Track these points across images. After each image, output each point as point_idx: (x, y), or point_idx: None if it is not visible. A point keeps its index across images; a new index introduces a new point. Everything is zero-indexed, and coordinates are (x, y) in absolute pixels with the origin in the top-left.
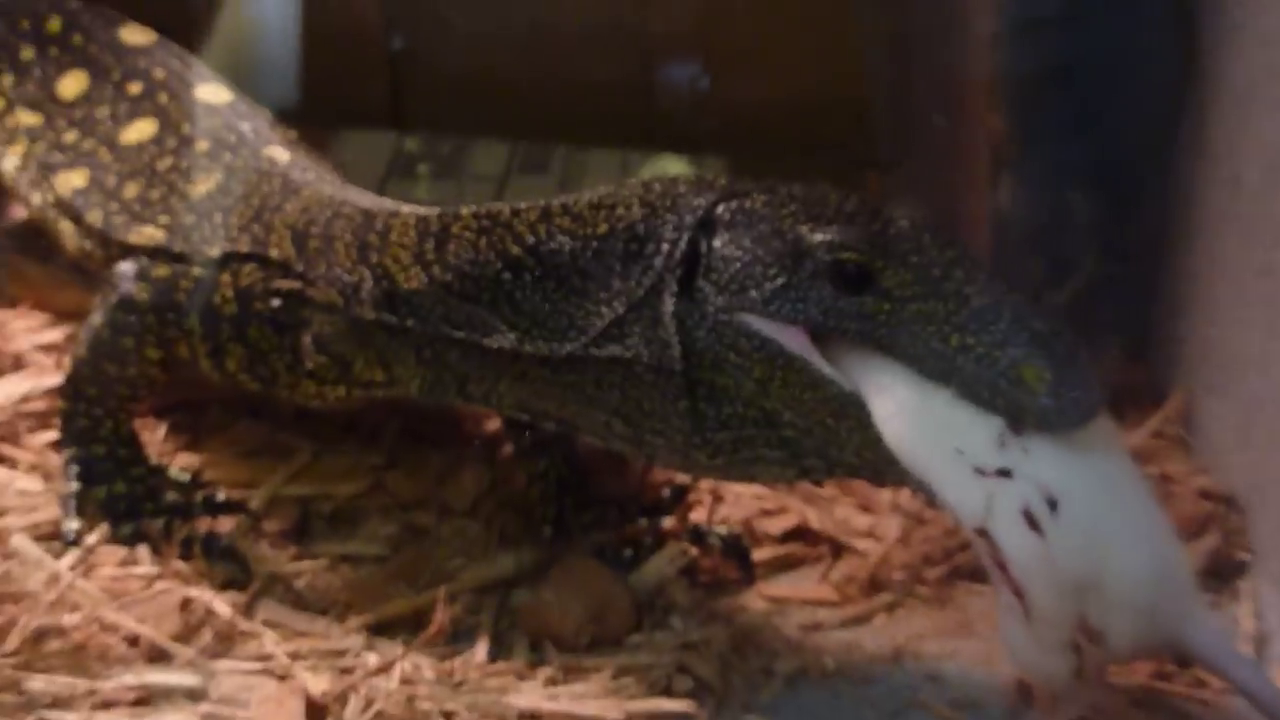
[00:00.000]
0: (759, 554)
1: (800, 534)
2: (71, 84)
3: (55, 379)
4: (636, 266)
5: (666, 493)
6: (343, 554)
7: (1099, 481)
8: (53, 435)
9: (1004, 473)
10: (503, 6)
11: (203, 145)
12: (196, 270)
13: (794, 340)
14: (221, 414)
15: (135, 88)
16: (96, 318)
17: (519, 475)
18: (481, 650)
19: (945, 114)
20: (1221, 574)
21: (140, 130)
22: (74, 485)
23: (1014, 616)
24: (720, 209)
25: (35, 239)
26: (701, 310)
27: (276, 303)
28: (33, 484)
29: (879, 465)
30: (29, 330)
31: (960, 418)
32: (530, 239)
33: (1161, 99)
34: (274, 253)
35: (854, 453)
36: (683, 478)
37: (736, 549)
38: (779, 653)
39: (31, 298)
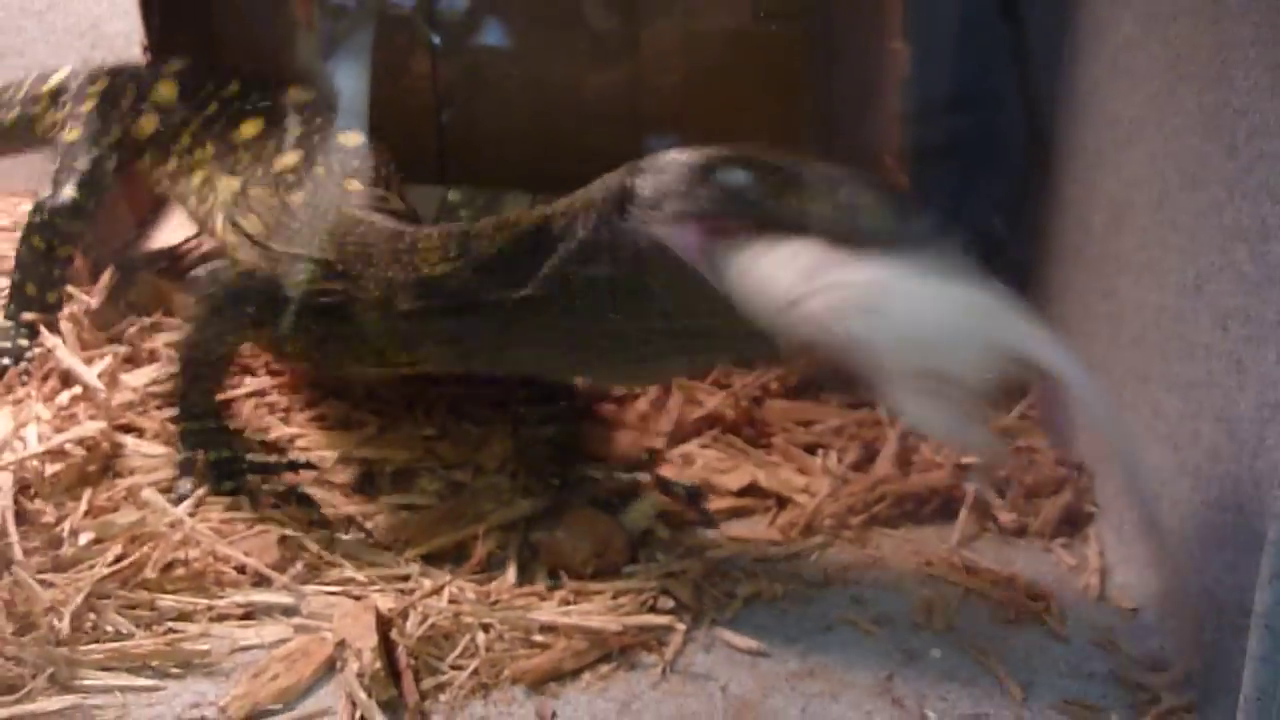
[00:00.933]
0: (720, 503)
1: (751, 490)
2: (250, 128)
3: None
4: (590, 213)
5: (644, 456)
6: (401, 504)
7: (913, 272)
8: (173, 411)
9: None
10: (529, 92)
11: (319, 170)
12: (265, 272)
13: (692, 244)
14: (311, 394)
15: (297, 130)
16: (195, 307)
17: (535, 442)
18: (510, 576)
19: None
20: (1075, 522)
21: (288, 159)
22: (185, 453)
23: (895, 392)
24: (642, 162)
25: (173, 264)
26: (628, 228)
27: (327, 300)
28: (156, 449)
29: (741, 343)
30: (161, 332)
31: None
32: (536, 223)
33: (1024, 163)
34: (326, 255)
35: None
36: (655, 442)
37: (695, 498)
38: (739, 580)
39: (164, 308)
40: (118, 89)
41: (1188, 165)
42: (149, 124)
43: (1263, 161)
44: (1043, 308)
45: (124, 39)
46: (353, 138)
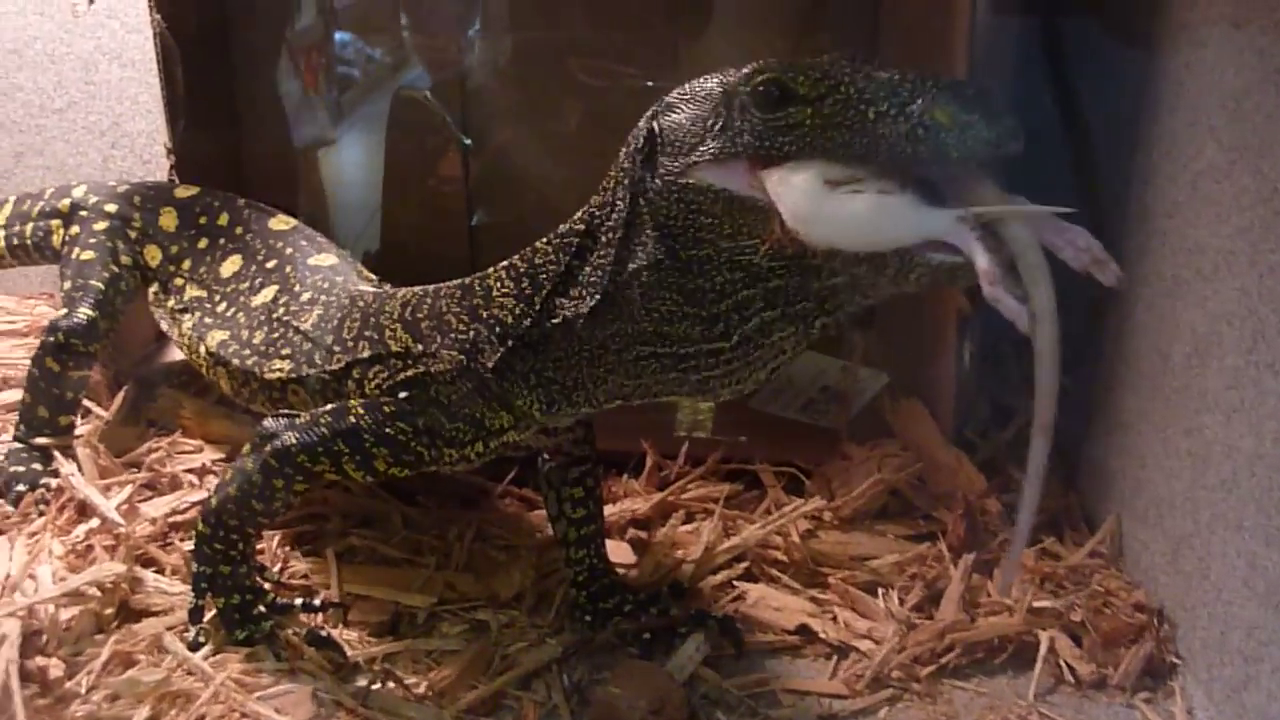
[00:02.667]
0: (770, 638)
1: (802, 630)
2: (229, 266)
3: (200, 495)
4: (623, 186)
5: (669, 586)
6: (426, 649)
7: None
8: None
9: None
10: (561, 194)
11: (306, 295)
12: (330, 406)
13: (741, 182)
14: (339, 523)
15: (271, 264)
16: (249, 463)
17: (557, 566)
18: None
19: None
20: (1156, 674)
21: (263, 295)
22: (196, 599)
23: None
24: (669, 97)
25: (191, 378)
26: (667, 184)
27: (404, 394)
28: (177, 586)
29: (849, 272)
30: (181, 456)
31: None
32: (582, 226)
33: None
34: (393, 345)
35: (829, 273)
36: (684, 574)
37: (730, 630)
38: None
39: (185, 427)
40: (128, 212)
41: None
42: (154, 255)
43: None
44: (1112, 437)
45: (146, 138)
46: (327, 258)
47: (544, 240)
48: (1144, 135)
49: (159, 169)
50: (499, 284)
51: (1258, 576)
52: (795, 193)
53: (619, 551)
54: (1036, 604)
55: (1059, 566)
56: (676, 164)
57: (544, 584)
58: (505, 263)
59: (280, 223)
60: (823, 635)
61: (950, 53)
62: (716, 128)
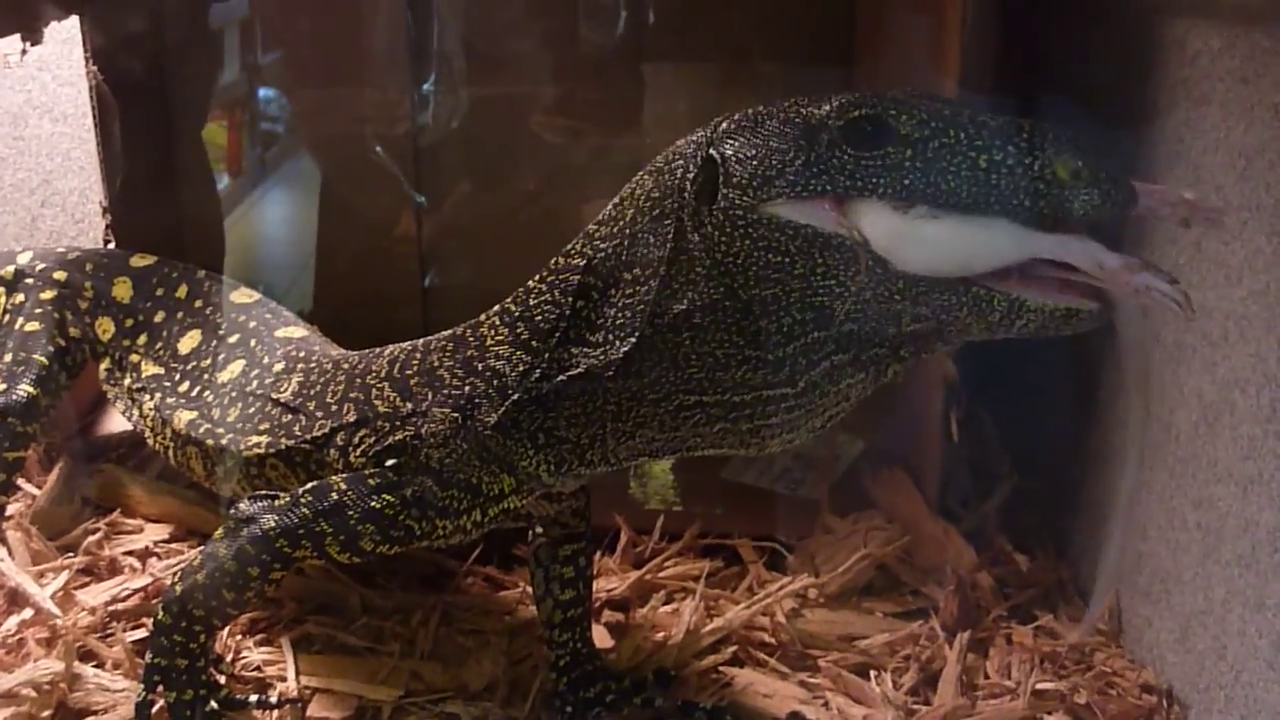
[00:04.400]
0: None
1: (794, 718)
2: (188, 342)
3: (142, 580)
4: (664, 222)
5: (654, 673)
6: None
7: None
8: (139, 634)
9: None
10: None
11: (279, 366)
12: (311, 485)
13: (825, 219)
14: (295, 608)
15: (233, 338)
16: (222, 549)
17: (530, 652)
18: None
19: None
20: None
21: (231, 370)
22: (146, 692)
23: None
24: (724, 124)
25: (130, 451)
26: (732, 220)
27: (392, 462)
28: (116, 681)
29: (938, 318)
30: (121, 537)
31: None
32: (582, 261)
33: (1093, 353)
34: (380, 406)
35: (911, 319)
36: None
37: None
38: None
39: (126, 505)
40: (79, 281)
41: None
42: (106, 327)
43: None
44: (1108, 503)
45: (78, 195)
46: (295, 330)
47: (536, 279)
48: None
49: (92, 228)
50: (493, 332)
51: None
52: (886, 220)
53: (595, 635)
54: (1039, 685)
55: (1058, 645)
56: (746, 197)
57: (517, 671)
58: (498, 307)
59: (242, 296)
60: (811, 717)
61: None
62: (798, 162)
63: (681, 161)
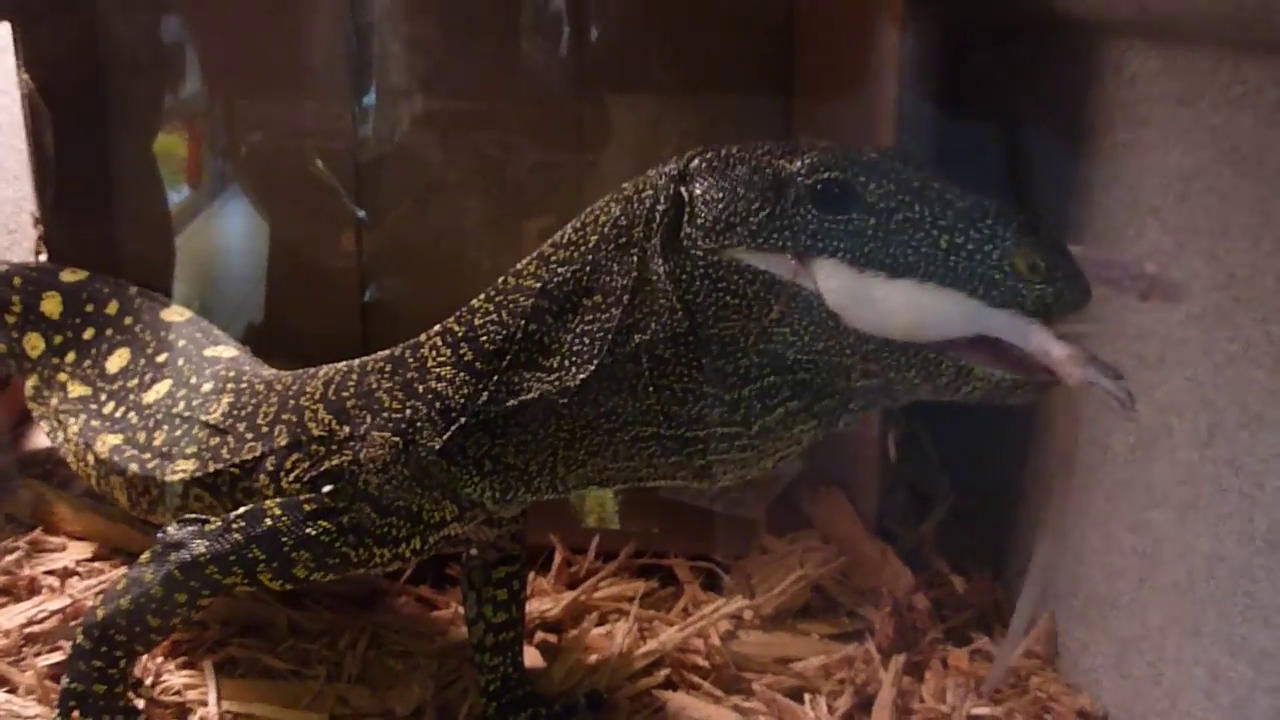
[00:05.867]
0: None
1: None
2: (116, 361)
3: (61, 601)
4: (630, 252)
5: (586, 696)
6: None
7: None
8: (55, 658)
9: None
10: (454, 271)
11: (207, 386)
12: (243, 510)
13: (783, 268)
14: (220, 631)
15: (161, 357)
16: (148, 574)
17: (459, 675)
18: None
19: None
20: None
21: (157, 390)
22: (60, 716)
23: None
24: (696, 161)
25: (54, 468)
26: (693, 259)
27: (328, 488)
28: (28, 708)
29: (887, 376)
30: (42, 555)
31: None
32: (537, 284)
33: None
34: (313, 429)
35: (860, 374)
36: (599, 681)
37: None
38: None
39: (48, 524)
40: (6, 295)
41: (1252, 401)
42: (35, 344)
43: None
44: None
45: (11, 206)
46: (225, 350)
47: (482, 298)
48: (1075, 217)
49: (25, 238)
50: (434, 353)
51: (1221, 688)
52: (841, 279)
53: (527, 656)
54: (975, 711)
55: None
56: (709, 240)
57: (445, 696)
58: (439, 327)
59: (174, 314)
60: None
61: (874, 131)
62: (763, 214)
63: (651, 193)
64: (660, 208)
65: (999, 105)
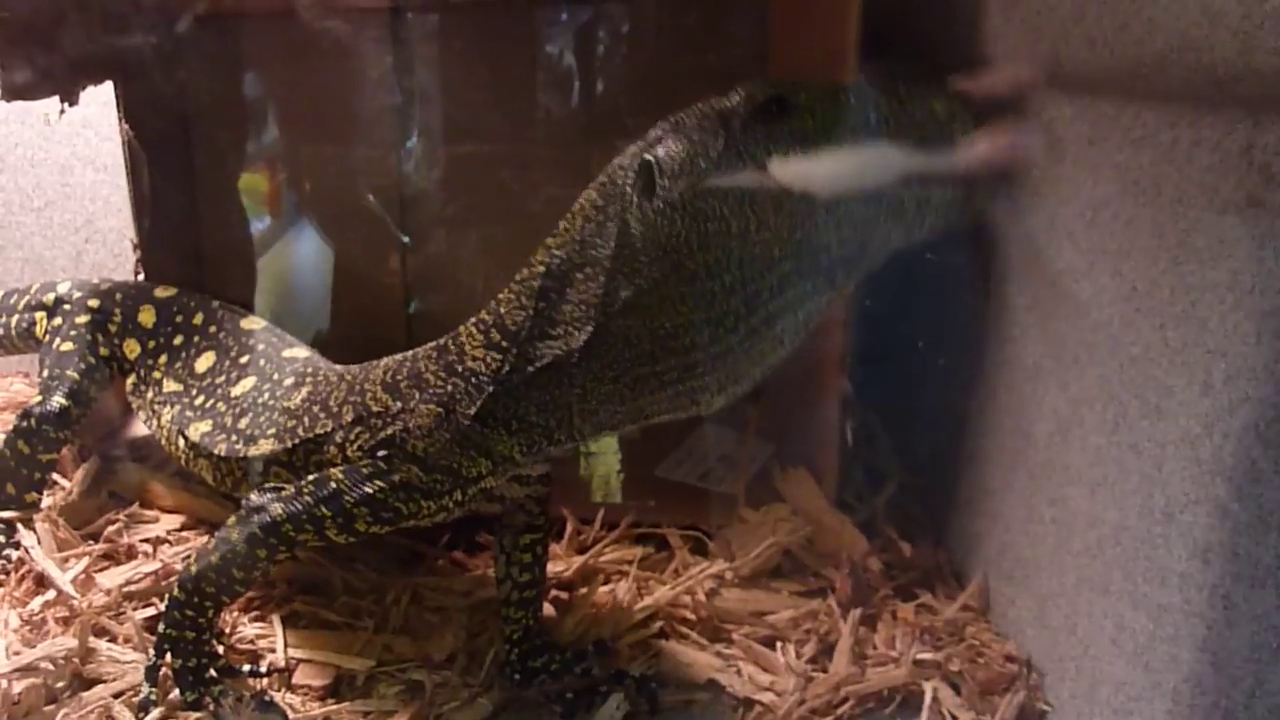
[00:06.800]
0: (680, 696)
1: (711, 684)
2: (204, 362)
3: (154, 566)
4: (609, 225)
5: (593, 645)
6: (365, 711)
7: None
8: (148, 612)
9: None
10: (491, 285)
11: (288, 380)
12: (312, 476)
13: (749, 180)
14: (284, 589)
15: (245, 358)
16: (234, 534)
17: (487, 626)
18: None
19: (801, 372)
20: (1028, 719)
21: (243, 385)
22: (157, 659)
23: None
24: (654, 131)
25: (151, 451)
26: (671, 204)
27: (382, 453)
28: (128, 654)
29: (862, 234)
30: (139, 526)
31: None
32: (541, 268)
33: (966, 373)
34: (374, 406)
35: (839, 242)
36: (608, 635)
37: (647, 689)
38: None
39: (145, 499)
40: (109, 308)
41: (1150, 395)
42: (133, 348)
43: (1248, 405)
44: (978, 502)
45: (116, 234)
46: (299, 351)
47: (506, 290)
48: (1003, 236)
49: (127, 261)
50: (470, 339)
51: (1125, 637)
52: (800, 169)
53: (544, 612)
54: (919, 656)
55: (936, 620)
56: (682, 183)
57: (474, 643)
58: (474, 319)
59: (251, 322)
60: (729, 689)
61: None
62: (719, 145)
63: (621, 171)
64: (630, 178)
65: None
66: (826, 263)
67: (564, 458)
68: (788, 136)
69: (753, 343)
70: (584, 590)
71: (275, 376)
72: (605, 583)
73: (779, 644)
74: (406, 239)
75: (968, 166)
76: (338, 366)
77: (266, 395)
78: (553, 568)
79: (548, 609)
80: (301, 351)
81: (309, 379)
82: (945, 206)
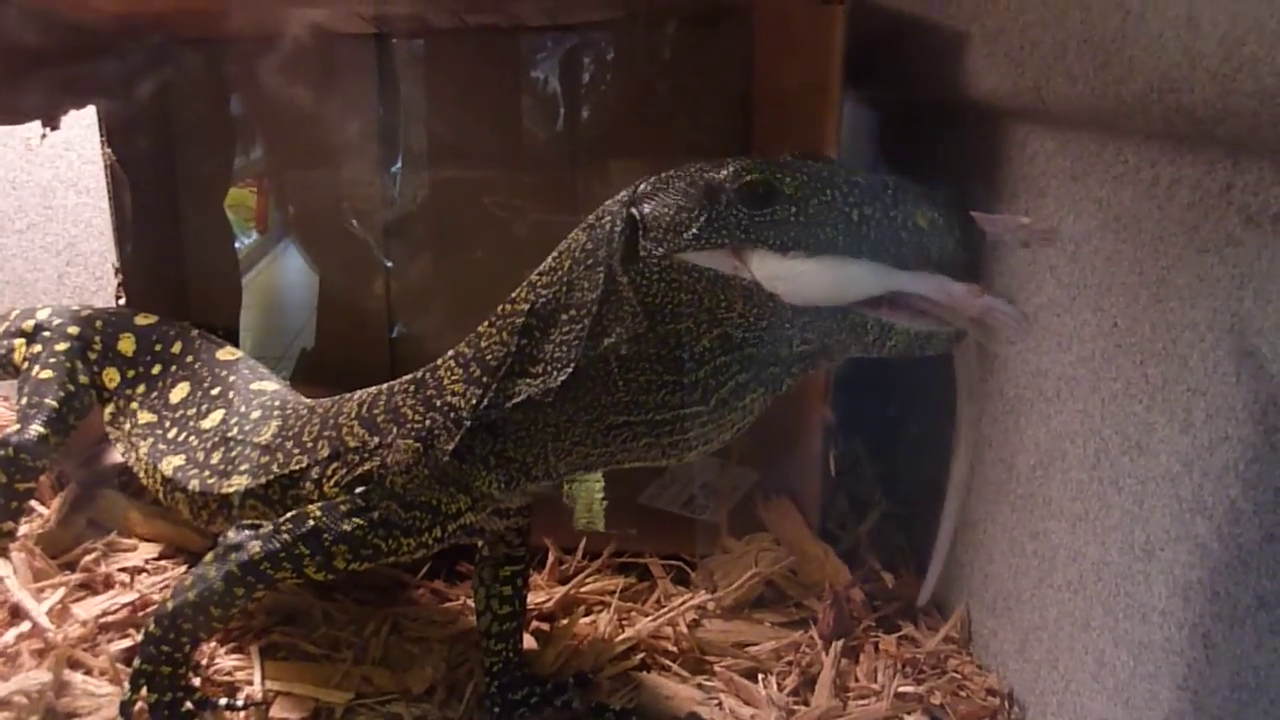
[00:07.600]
0: None
1: (692, 718)
2: (178, 393)
3: (131, 595)
4: (597, 270)
5: (574, 677)
6: None
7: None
8: (125, 644)
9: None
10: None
11: (256, 414)
12: (290, 514)
13: (725, 264)
14: (263, 620)
15: (215, 390)
16: (211, 571)
17: (467, 658)
18: None
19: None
20: None
21: (212, 419)
22: (131, 693)
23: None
24: (643, 186)
25: (130, 478)
26: (649, 266)
27: (360, 489)
28: (103, 688)
29: (823, 340)
30: (117, 555)
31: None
32: (526, 306)
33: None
34: (350, 441)
35: (800, 341)
36: (589, 667)
37: None
38: None
39: (123, 527)
40: (90, 335)
41: (1131, 431)
42: (112, 377)
43: (1228, 444)
44: (960, 530)
45: (98, 257)
46: (269, 384)
47: (486, 324)
48: (979, 271)
49: (109, 285)
50: (449, 373)
51: (1107, 673)
52: (773, 264)
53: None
54: (901, 689)
55: (918, 652)
56: (661, 248)
57: (454, 675)
58: (452, 352)
59: (227, 353)
60: (707, 717)
61: None
62: (702, 219)
63: (609, 218)
64: (618, 229)
65: (924, 174)
66: (787, 354)
67: (544, 494)
68: (769, 224)
69: (722, 413)
70: (565, 621)
71: (243, 410)
72: (586, 614)
73: (761, 676)
74: (390, 263)
75: (937, 305)
76: (307, 400)
77: (235, 429)
78: (534, 598)
79: (528, 640)
80: (271, 385)
81: (277, 412)
82: (907, 340)
